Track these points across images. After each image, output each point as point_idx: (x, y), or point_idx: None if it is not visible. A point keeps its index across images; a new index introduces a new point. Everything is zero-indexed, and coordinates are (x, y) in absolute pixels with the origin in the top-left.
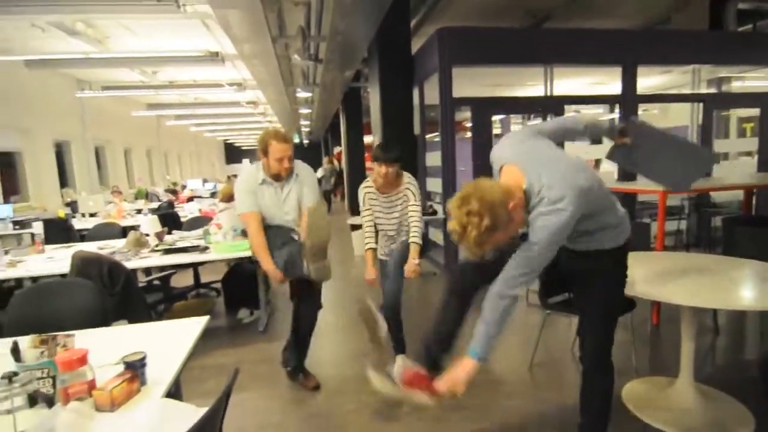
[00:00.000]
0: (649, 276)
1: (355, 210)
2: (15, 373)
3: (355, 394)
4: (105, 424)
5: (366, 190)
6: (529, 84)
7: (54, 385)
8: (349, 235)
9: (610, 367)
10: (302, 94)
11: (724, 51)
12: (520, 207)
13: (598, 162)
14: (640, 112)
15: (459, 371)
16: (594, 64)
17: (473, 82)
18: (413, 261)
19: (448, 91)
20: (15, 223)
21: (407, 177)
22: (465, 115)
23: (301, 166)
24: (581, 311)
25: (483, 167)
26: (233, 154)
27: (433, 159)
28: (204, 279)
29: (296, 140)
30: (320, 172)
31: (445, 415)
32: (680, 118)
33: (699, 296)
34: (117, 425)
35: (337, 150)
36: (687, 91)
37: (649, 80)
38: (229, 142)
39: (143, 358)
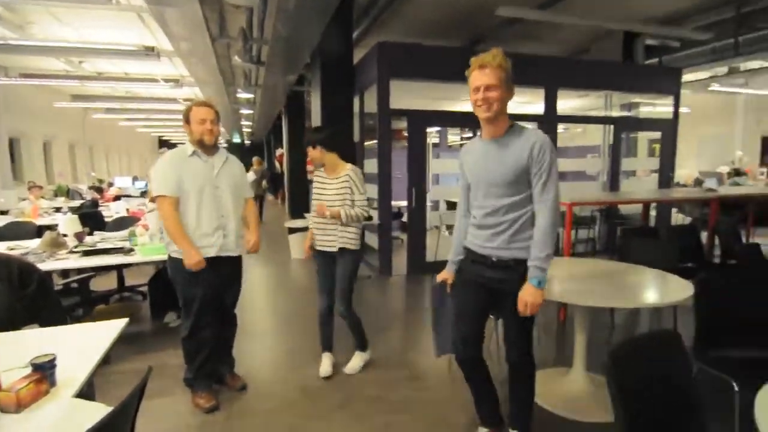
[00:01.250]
0: (551, 279)
1: (295, 213)
2: None
3: (281, 393)
4: (10, 424)
5: (315, 175)
6: (465, 99)
7: None
8: (286, 239)
9: (533, 359)
10: (243, 95)
11: (632, 80)
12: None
13: None
14: (560, 130)
15: (535, 299)
16: (520, 85)
17: (416, 93)
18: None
19: (385, 102)
20: None
21: (350, 166)
22: (404, 124)
23: (231, 156)
24: (509, 317)
25: (417, 174)
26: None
27: (372, 166)
28: (129, 282)
29: (237, 140)
30: (250, 176)
31: (367, 411)
32: (596, 138)
33: (588, 297)
34: (23, 425)
35: (279, 152)
36: (601, 114)
37: (569, 102)
38: (164, 138)
39: (52, 360)
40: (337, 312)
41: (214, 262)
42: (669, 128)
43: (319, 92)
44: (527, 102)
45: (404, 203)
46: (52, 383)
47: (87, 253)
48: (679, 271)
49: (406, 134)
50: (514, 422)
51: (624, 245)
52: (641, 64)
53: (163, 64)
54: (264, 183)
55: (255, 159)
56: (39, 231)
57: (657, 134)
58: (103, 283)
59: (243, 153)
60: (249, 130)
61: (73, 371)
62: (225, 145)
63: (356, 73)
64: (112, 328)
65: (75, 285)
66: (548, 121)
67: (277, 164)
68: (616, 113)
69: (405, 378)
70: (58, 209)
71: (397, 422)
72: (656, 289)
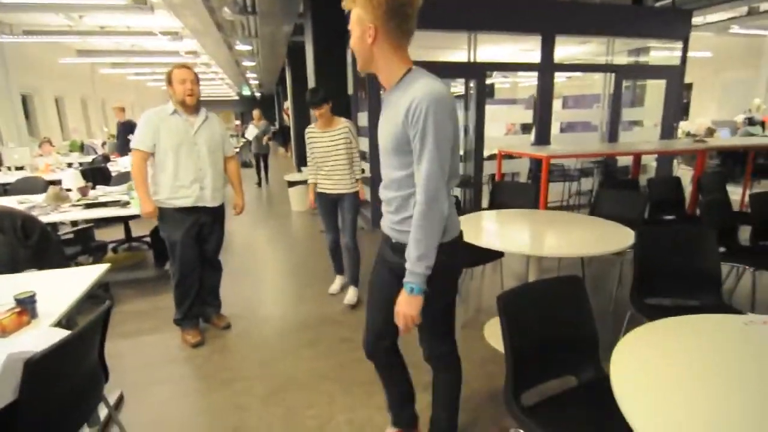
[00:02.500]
0: (507, 230)
1: (302, 163)
2: None
3: (259, 331)
4: None
5: (308, 133)
6: (463, 48)
7: None
8: (286, 192)
9: (454, 356)
10: (242, 47)
11: (638, 24)
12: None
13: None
14: (562, 78)
15: (410, 309)
16: (515, 32)
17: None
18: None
19: None
20: None
21: (344, 119)
22: None
23: (212, 115)
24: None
25: None
26: None
27: (364, 119)
28: (136, 233)
29: (247, 92)
30: (251, 131)
31: (334, 349)
32: (598, 87)
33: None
34: (6, 347)
35: (285, 105)
36: (601, 61)
37: (570, 49)
38: None
39: (33, 296)
40: (343, 245)
41: (192, 211)
42: (675, 75)
43: (311, 42)
44: (528, 50)
45: None
46: (33, 315)
47: (88, 206)
48: (651, 224)
49: None
50: (433, 429)
51: (597, 198)
52: (648, 6)
53: (162, 17)
54: (265, 139)
55: (255, 113)
56: (48, 186)
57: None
58: (112, 234)
59: (254, 105)
60: (256, 82)
61: (57, 307)
62: (236, 97)
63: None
64: (95, 270)
65: (70, 235)
66: (545, 69)
67: (285, 117)
68: (619, 60)
69: None
70: (70, 165)
71: (363, 359)
72: (596, 241)
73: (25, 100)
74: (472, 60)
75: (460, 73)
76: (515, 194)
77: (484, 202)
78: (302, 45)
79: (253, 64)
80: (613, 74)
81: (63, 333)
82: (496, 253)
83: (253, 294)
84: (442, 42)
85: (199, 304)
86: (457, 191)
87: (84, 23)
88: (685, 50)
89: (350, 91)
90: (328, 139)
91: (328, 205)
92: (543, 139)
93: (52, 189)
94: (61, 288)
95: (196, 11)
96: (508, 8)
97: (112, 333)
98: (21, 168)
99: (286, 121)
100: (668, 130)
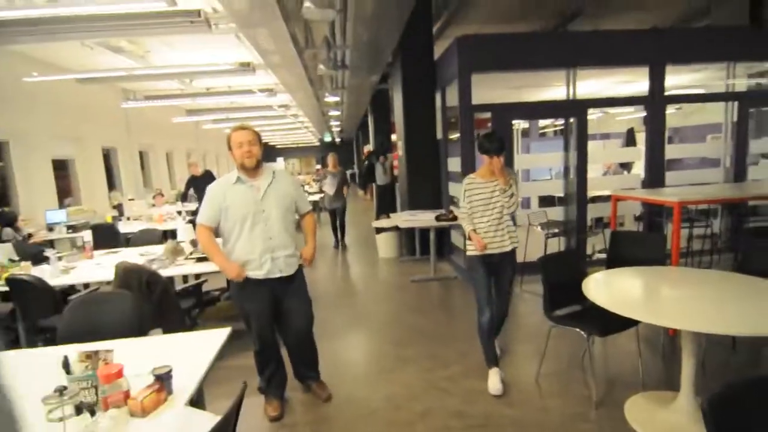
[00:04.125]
0: (653, 294)
1: (380, 212)
2: (64, 387)
3: (366, 400)
4: (138, 427)
5: (469, 183)
6: (556, 84)
7: (96, 395)
8: (374, 239)
9: None
10: (330, 98)
11: (762, 46)
12: None
13: (627, 165)
14: (670, 111)
15: None
16: (619, 65)
17: (497, 84)
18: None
19: (467, 98)
20: (68, 227)
21: (508, 169)
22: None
23: (278, 170)
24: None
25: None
26: (269, 152)
27: (455, 164)
28: None
29: (328, 139)
30: (329, 184)
31: (450, 424)
32: (714, 116)
33: (697, 320)
34: (148, 429)
35: (366, 148)
36: (721, 88)
37: (681, 77)
38: (264, 141)
39: (170, 371)
40: (499, 315)
41: (264, 282)
42: None
43: (400, 91)
44: (626, 81)
45: None
46: (169, 391)
47: (200, 260)
48: None
49: (489, 124)
50: None
51: (746, 250)
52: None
53: (259, 76)
54: (346, 191)
55: (330, 159)
56: (164, 235)
57: None
58: (214, 283)
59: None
60: (338, 129)
61: (185, 378)
62: (317, 143)
63: (437, 69)
64: (218, 335)
65: (190, 289)
66: (655, 102)
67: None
68: (741, 85)
69: (486, 391)
70: (179, 212)
71: None
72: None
73: (141, 156)
74: (572, 97)
75: (559, 113)
76: (636, 246)
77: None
78: (385, 92)
79: (338, 113)
80: (737, 102)
81: (199, 414)
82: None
83: (346, 355)
84: (533, 81)
85: (280, 376)
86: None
87: (193, 86)
88: None
89: (439, 135)
90: (491, 190)
91: (487, 268)
92: (656, 179)
93: (170, 243)
94: (188, 356)
95: (293, 69)
96: (611, 41)
97: (218, 393)
98: (138, 218)
99: (341, 170)
100: None
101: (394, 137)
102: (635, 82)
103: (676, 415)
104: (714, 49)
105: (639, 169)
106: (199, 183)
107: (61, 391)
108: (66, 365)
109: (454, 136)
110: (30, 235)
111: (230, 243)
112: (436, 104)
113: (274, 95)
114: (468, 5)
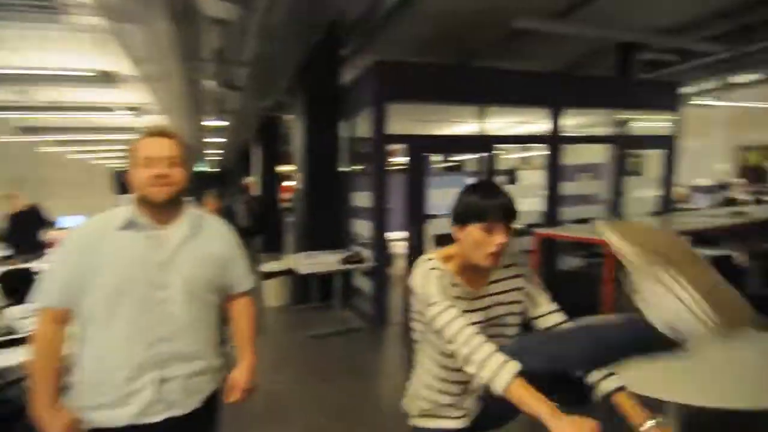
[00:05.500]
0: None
1: (270, 248)
2: None
3: None
4: None
5: (443, 279)
6: (458, 121)
7: None
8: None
9: None
10: (212, 123)
11: (632, 96)
12: None
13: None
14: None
15: None
16: (526, 106)
17: (409, 117)
18: None
19: (381, 128)
20: None
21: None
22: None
23: (207, 216)
24: None
25: (418, 207)
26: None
27: (360, 198)
28: None
29: (204, 168)
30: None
31: None
32: (596, 156)
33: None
34: None
35: (247, 180)
36: (600, 131)
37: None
38: (122, 169)
39: None
40: None
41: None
42: (670, 145)
43: (302, 117)
44: (522, 122)
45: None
46: None
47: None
48: None
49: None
50: None
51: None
52: (645, 79)
53: (120, 90)
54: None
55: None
56: None
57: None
58: None
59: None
60: (218, 158)
61: None
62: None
63: (346, 96)
64: None
65: None
66: (554, 141)
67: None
68: (613, 131)
69: None
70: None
71: None
72: None
73: None
74: (481, 132)
75: (471, 148)
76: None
77: None
78: (273, 118)
79: (220, 140)
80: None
81: None
82: None
83: None
84: (439, 116)
85: None
86: None
87: (31, 98)
88: (677, 120)
89: (343, 167)
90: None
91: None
92: (552, 215)
93: None
94: None
95: (173, 85)
96: (518, 82)
97: None
98: None
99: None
100: (664, 200)
101: (283, 168)
102: (530, 123)
103: None
104: (601, 96)
105: (528, 206)
106: (19, 223)
107: None
108: None
109: (358, 168)
110: None
111: (80, 344)
112: (340, 134)
113: (141, 116)
114: (377, 34)
